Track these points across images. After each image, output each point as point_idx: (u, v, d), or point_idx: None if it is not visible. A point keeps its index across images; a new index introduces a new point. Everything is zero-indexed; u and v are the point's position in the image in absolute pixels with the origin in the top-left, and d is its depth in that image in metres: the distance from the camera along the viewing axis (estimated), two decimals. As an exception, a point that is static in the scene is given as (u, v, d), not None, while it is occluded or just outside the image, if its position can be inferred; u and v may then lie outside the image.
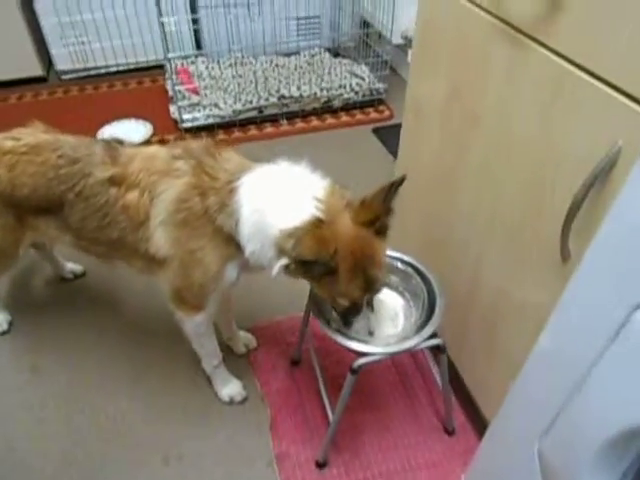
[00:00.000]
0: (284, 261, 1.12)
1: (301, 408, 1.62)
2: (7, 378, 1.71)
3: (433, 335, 1.23)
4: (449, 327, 1.39)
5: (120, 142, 1.32)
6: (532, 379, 0.94)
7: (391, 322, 1.36)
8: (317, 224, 1.08)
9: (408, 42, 3.13)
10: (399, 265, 1.40)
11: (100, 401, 1.64)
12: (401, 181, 1.10)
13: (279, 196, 1.15)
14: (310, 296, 1.34)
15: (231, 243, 1.21)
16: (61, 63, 3.23)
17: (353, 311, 1.20)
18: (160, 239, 1.23)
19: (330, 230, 1.08)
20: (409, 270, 1.39)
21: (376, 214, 1.10)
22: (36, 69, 3.25)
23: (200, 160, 1.23)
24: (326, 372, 1.65)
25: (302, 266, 1.08)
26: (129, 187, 1.24)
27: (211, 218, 1.19)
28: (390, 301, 1.40)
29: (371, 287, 1.15)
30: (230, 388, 1.63)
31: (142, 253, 1.28)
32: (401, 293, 1.41)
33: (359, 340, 1.22)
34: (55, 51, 3.15)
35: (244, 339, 1.78)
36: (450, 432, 1.54)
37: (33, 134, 1.36)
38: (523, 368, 0.97)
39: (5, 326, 1.83)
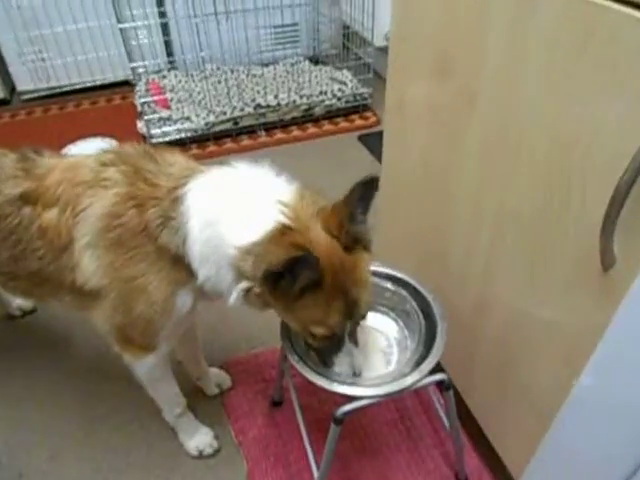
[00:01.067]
0: (244, 285, 0.89)
1: (284, 460, 1.35)
2: None
3: (435, 368, 0.99)
4: (454, 356, 1.15)
5: (38, 152, 1.08)
6: (574, 427, 0.70)
7: (382, 356, 1.12)
8: (284, 231, 0.85)
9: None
10: (389, 285, 1.16)
11: (41, 462, 1.37)
12: (370, 181, 0.87)
13: (235, 205, 0.91)
14: (282, 328, 1.10)
15: (180, 265, 0.97)
16: (22, 83, 3.02)
17: (333, 346, 0.96)
18: (89, 266, 0.99)
19: (302, 236, 0.86)
20: (402, 291, 1.15)
21: (340, 222, 0.88)
22: (-3, 91, 3.04)
23: (136, 166, 0.99)
24: (312, 413, 1.40)
25: (270, 284, 0.85)
26: (46, 204, 1.00)
27: (152, 235, 0.95)
28: (380, 330, 1.15)
29: (353, 312, 0.92)
30: (198, 439, 1.37)
31: (69, 285, 1.03)
32: (394, 320, 1.17)
33: (343, 381, 0.97)
34: (13, 69, 2.94)
35: (217, 378, 1.52)
36: (462, 481, 1.28)
37: None
38: (560, 412, 0.72)
39: (-62, 375, 1.57)
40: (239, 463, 1.36)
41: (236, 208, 0.91)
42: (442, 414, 1.23)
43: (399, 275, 1.16)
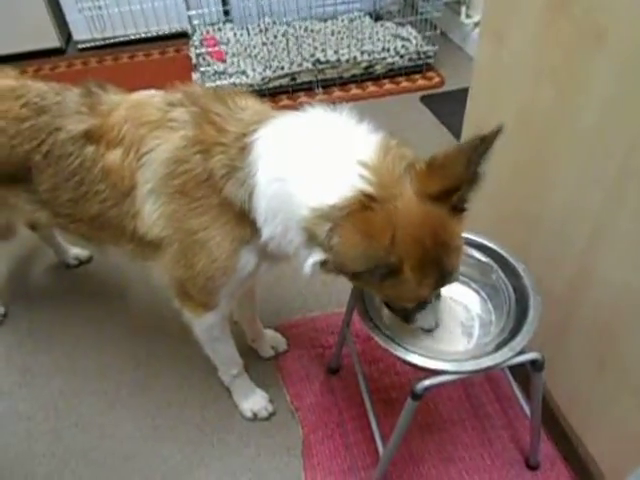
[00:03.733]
0: (318, 256, 0.79)
1: (341, 429, 1.29)
2: (-5, 380, 1.45)
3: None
4: (540, 336, 1.03)
5: (102, 87, 1.00)
6: None
7: (461, 329, 1.02)
8: (365, 202, 0.74)
9: (462, -2, 2.73)
10: (474, 252, 1.04)
11: (96, 414, 1.36)
12: (496, 133, 0.74)
13: (309, 158, 0.81)
14: (353, 291, 1.01)
15: (245, 221, 0.89)
16: (78, 32, 2.98)
17: (417, 308, 0.89)
18: (151, 215, 0.92)
19: (385, 210, 0.74)
20: (487, 259, 1.03)
21: (454, 182, 0.75)
22: (53, 40, 3.01)
23: (206, 108, 0.90)
24: (371, 383, 1.33)
25: (345, 268, 0.76)
26: (110, 144, 0.93)
27: (216, 186, 0.87)
28: (460, 301, 1.05)
29: (446, 281, 0.82)
30: (253, 401, 1.32)
31: (131, 233, 0.97)
32: (475, 291, 1.06)
33: (424, 354, 0.88)
34: (71, 18, 2.89)
35: (272, 340, 1.47)
36: (534, 466, 1.19)
37: (-3, 80, 1.06)
38: None
39: (-2, 319, 1.58)
40: (294, 428, 1.31)
41: (310, 163, 0.80)
42: (519, 395, 1.13)
43: (484, 242, 1.04)
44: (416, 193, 0.76)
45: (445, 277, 0.81)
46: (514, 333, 0.90)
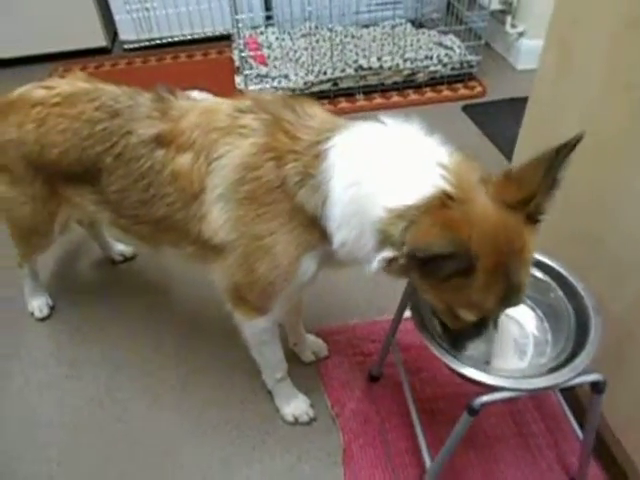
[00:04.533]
0: (388, 253, 0.80)
1: (382, 438, 1.29)
2: (43, 371, 1.49)
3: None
4: (597, 357, 1.01)
5: (172, 92, 1.02)
6: None
7: (514, 346, 1.00)
8: (444, 201, 0.75)
9: (508, 7, 2.71)
10: (531, 270, 1.03)
11: (139, 409, 1.38)
12: (576, 141, 0.75)
13: (387, 163, 0.82)
14: (404, 301, 1.01)
15: (314, 228, 0.90)
16: (125, 32, 3.05)
17: (473, 330, 0.87)
18: (218, 219, 0.93)
19: (462, 210, 0.75)
20: (545, 277, 1.02)
21: (531, 190, 0.76)
22: (100, 40, 3.09)
23: (276, 115, 0.91)
24: (413, 394, 1.32)
25: (417, 262, 0.75)
26: (180, 149, 0.95)
27: (289, 192, 0.88)
28: (515, 317, 1.04)
29: (513, 297, 0.81)
30: (295, 406, 1.33)
31: (194, 236, 0.99)
32: (531, 308, 1.04)
33: (484, 370, 0.87)
34: (119, 17, 2.96)
35: (313, 345, 1.47)
36: (579, 488, 1.17)
37: (70, 83, 1.10)
38: None
39: (46, 311, 1.62)
40: (334, 434, 1.31)
41: (388, 167, 0.82)
42: (569, 416, 1.11)
43: (542, 259, 1.03)
44: (492, 200, 0.78)
45: (513, 292, 0.80)
46: (574, 354, 0.89)
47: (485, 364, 0.93)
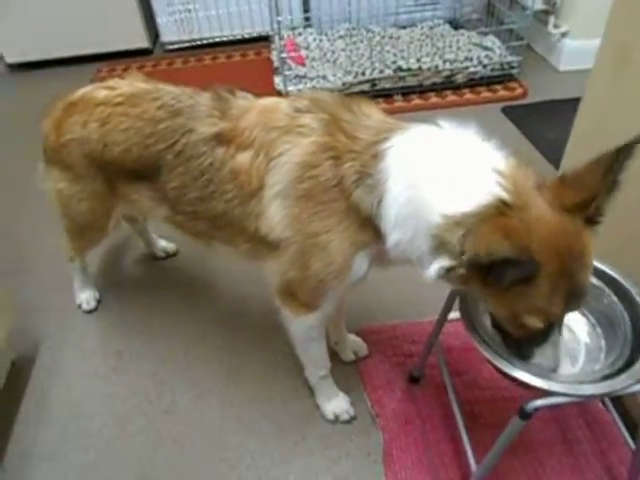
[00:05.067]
0: (446, 262, 0.80)
1: (423, 439, 1.29)
2: (91, 363, 1.54)
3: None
4: None
5: (231, 92, 1.05)
6: None
7: (566, 353, 0.99)
8: (501, 209, 0.75)
9: (552, 8, 2.66)
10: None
11: (186, 401, 1.42)
12: (631, 145, 0.74)
13: (444, 167, 0.83)
14: (453, 301, 1.01)
15: (367, 227, 0.91)
16: (167, 34, 3.12)
17: (538, 337, 0.86)
18: (275, 216, 0.96)
19: (520, 218, 0.75)
20: (598, 282, 1.00)
21: (591, 193, 0.76)
22: (142, 41, 3.18)
23: (334, 115, 0.93)
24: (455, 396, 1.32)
25: (479, 270, 0.75)
26: (240, 147, 0.97)
27: (345, 191, 0.89)
28: (567, 325, 1.02)
29: (576, 301, 0.81)
30: (336, 404, 1.34)
31: (251, 233, 1.02)
32: (583, 315, 1.03)
33: (536, 373, 0.87)
34: (161, 20, 3.04)
35: (353, 344, 1.48)
36: (626, 499, 1.15)
37: (130, 84, 1.14)
38: None
39: (93, 304, 1.67)
40: (375, 434, 1.32)
41: (445, 171, 0.83)
42: (620, 424, 1.10)
43: (596, 264, 1.01)
44: (549, 205, 0.78)
45: (577, 295, 0.80)
46: (631, 361, 0.88)
47: (552, 372, 0.92)
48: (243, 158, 0.97)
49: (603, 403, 1.26)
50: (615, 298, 0.98)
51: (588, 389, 0.84)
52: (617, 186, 0.77)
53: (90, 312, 1.67)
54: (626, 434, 1.07)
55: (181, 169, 1.04)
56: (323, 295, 1.02)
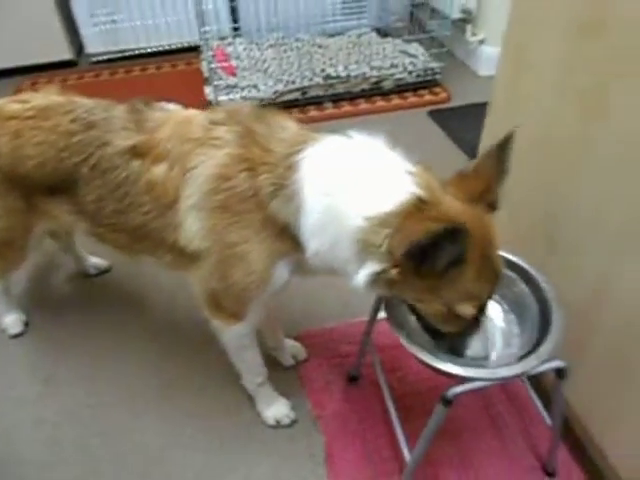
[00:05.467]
0: (375, 266, 0.83)
1: (362, 435, 1.33)
2: (19, 389, 1.47)
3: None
4: (562, 346, 1.07)
5: (148, 104, 1.05)
6: None
7: (484, 339, 1.05)
8: (419, 205, 0.80)
9: (468, 16, 2.81)
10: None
11: (120, 422, 1.38)
12: (511, 135, 0.85)
13: (358, 174, 0.87)
14: (384, 300, 1.05)
15: (286, 236, 0.93)
16: (91, 45, 3.04)
17: (471, 326, 0.92)
18: (192, 227, 0.96)
19: (437, 211, 0.81)
20: (509, 272, 1.08)
21: (487, 182, 0.85)
22: (66, 53, 3.07)
23: (248, 127, 0.95)
24: (390, 391, 1.36)
25: (413, 262, 0.79)
26: (155, 159, 0.97)
27: (262, 202, 0.91)
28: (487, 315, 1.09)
29: (497, 282, 0.88)
30: (276, 409, 1.35)
31: (170, 244, 1.02)
32: (498, 302, 1.10)
33: (454, 362, 0.92)
34: (85, 31, 2.95)
35: (292, 349, 1.50)
36: (551, 473, 1.23)
37: (44, 97, 1.11)
38: None
39: (19, 328, 1.60)
40: (316, 436, 1.34)
41: (361, 177, 0.86)
42: (537, 403, 1.17)
43: (506, 255, 1.08)
44: (456, 198, 0.84)
45: (496, 277, 0.86)
46: (539, 343, 0.95)
47: (485, 359, 0.98)
48: (158, 170, 0.97)
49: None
50: (524, 286, 1.05)
51: (501, 372, 0.89)
52: (505, 174, 0.87)
53: (17, 336, 1.59)
54: (543, 412, 1.14)
55: (97, 182, 1.03)
56: (247, 304, 1.03)
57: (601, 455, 1.15)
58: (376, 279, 0.84)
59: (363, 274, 0.84)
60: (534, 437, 1.29)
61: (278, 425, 1.35)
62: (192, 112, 1.04)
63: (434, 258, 0.78)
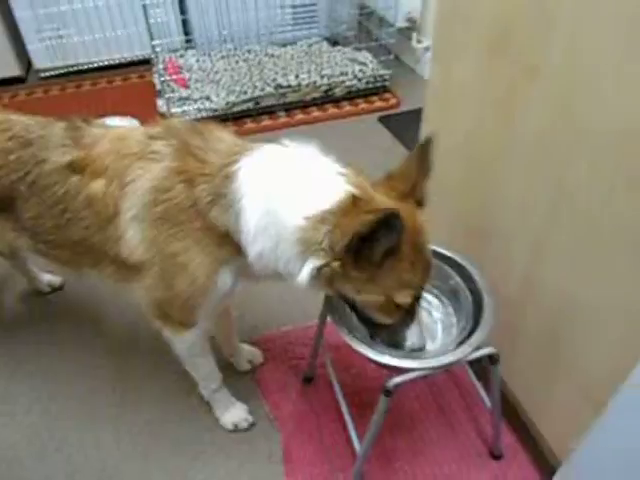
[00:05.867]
0: (317, 262, 0.87)
1: (318, 434, 1.37)
2: (-28, 411, 1.45)
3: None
4: (495, 334, 1.14)
5: (86, 121, 1.07)
6: (629, 420, 0.70)
7: (427, 334, 1.11)
8: (354, 202, 0.86)
9: (413, 25, 2.91)
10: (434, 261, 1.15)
11: (79, 436, 1.38)
12: (429, 141, 0.91)
13: (294, 178, 0.91)
14: (326, 301, 1.10)
15: (227, 243, 0.96)
16: (39, 60, 2.99)
17: (408, 316, 0.97)
18: (134, 239, 0.98)
19: (371, 207, 0.86)
20: (445, 266, 1.14)
21: (412, 180, 0.91)
22: (13, 69, 3.01)
23: (185, 140, 0.98)
24: (345, 389, 1.40)
25: (353, 253, 0.84)
26: (94, 174, 0.99)
27: (201, 212, 0.94)
28: (425, 308, 1.15)
29: (429, 272, 0.94)
30: (233, 414, 1.38)
31: (112, 257, 1.04)
32: (436, 296, 1.16)
33: (394, 354, 0.97)
34: (32, 47, 2.91)
35: (248, 354, 1.53)
36: (497, 456, 1.29)
37: (-20, 115, 1.11)
38: (613, 402, 0.72)
39: (-29, 349, 1.58)
40: (274, 437, 1.37)
41: (297, 181, 0.91)
42: (480, 390, 1.23)
43: (441, 251, 1.15)
44: (386, 196, 0.90)
45: (428, 267, 0.92)
46: (472, 332, 1.01)
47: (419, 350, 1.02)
48: (97, 185, 0.99)
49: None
50: (459, 279, 1.12)
51: (433, 362, 0.95)
52: (429, 172, 0.93)
53: (-31, 357, 1.57)
54: (485, 397, 1.20)
55: (36, 199, 1.04)
56: (195, 312, 1.06)
57: (540, 436, 1.22)
58: (318, 275, 0.88)
59: (306, 270, 0.88)
60: (481, 424, 1.36)
61: (236, 429, 1.38)
62: (130, 127, 1.07)
63: (372, 247, 0.83)
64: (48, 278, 1.78)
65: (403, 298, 0.93)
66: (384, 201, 0.89)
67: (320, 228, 0.86)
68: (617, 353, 0.66)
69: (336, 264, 0.87)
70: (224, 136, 1.01)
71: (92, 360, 1.57)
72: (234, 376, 1.49)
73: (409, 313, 0.97)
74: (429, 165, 0.92)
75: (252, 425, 1.39)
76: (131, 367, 1.54)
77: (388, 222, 0.79)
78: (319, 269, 0.88)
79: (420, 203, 0.94)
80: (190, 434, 1.38)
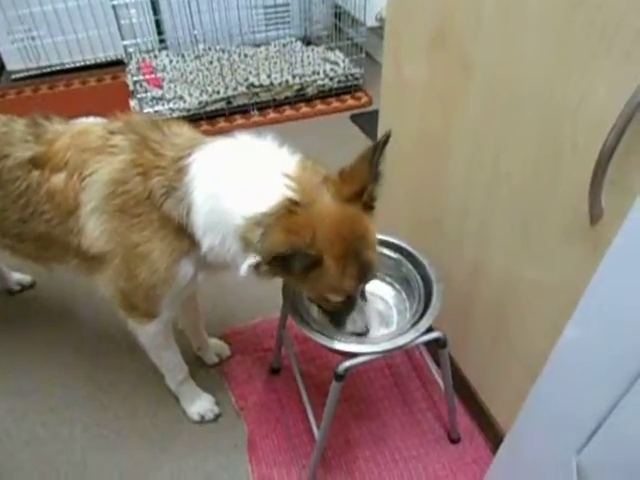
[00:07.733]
0: (252, 260, 0.91)
1: (282, 423, 1.40)
2: (-60, 409, 1.46)
3: (431, 328, 1.03)
4: (449, 319, 1.19)
5: (48, 118, 1.09)
6: (558, 381, 0.75)
7: (380, 318, 1.16)
8: (290, 207, 0.87)
9: (383, 24, 2.95)
10: (385, 250, 1.19)
11: (49, 431, 1.40)
12: (386, 140, 0.90)
13: (240, 175, 0.93)
14: (284, 292, 1.13)
15: (183, 235, 0.99)
16: (11, 63, 2.99)
17: (346, 307, 1.00)
18: (94, 231, 1.01)
19: (307, 213, 0.87)
20: (397, 256, 1.19)
21: (361, 183, 0.91)
22: (-16, 71, 3.01)
23: (143, 135, 1.01)
24: (310, 379, 1.45)
25: (276, 263, 0.86)
26: (54, 169, 1.02)
27: (155, 204, 0.97)
28: (377, 294, 1.19)
29: (367, 274, 0.95)
30: (200, 405, 1.41)
31: (75, 249, 1.06)
32: (390, 284, 1.21)
33: (344, 340, 1.01)
34: (3, 48, 2.90)
35: (216, 347, 1.56)
36: (455, 440, 1.34)
37: (-58, 115, 1.13)
38: (545, 367, 0.77)
39: (-60, 349, 1.58)
40: (240, 427, 1.40)
41: (241, 179, 0.93)
42: (436, 376, 1.28)
43: (394, 241, 1.19)
44: (332, 197, 0.90)
45: (366, 269, 0.93)
46: (422, 316, 1.05)
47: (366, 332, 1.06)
48: (58, 179, 1.01)
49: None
50: (411, 266, 1.16)
51: (384, 345, 0.99)
52: (380, 176, 0.93)
53: (-63, 357, 1.58)
54: (438, 380, 1.25)
55: (1, 193, 1.06)
56: (158, 301, 1.09)
57: (493, 417, 1.27)
58: (255, 270, 0.92)
59: (245, 266, 0.91)
60: (440, 409, 1.40)
61: (203, 420, 1.41)
62: (91, 122, 1.09)
63: (289, 266, 0.86)
64: (18, 277, 1.79)
65: (334, 298, 0.97)
66: (324, 206, 0.89)
67: (255, 230, 0.88)
68: (557, 329, 0.70)
69: (266, 266, 0.89)
70: (183, 131, 1.04)
71: (63, 356, 1.59)
72: (202, 369, 1.52)
73: (347, 305, 1.00)
74: (379, 168, 0.92)
75: (218, 416, 1.42)
76: (104, 362, 1.56)
77: (297, 254, 0.83)
78: (255, 266, 0.91)
79: (368, 206, 0.94)
80: (158, 426, 1.41)
